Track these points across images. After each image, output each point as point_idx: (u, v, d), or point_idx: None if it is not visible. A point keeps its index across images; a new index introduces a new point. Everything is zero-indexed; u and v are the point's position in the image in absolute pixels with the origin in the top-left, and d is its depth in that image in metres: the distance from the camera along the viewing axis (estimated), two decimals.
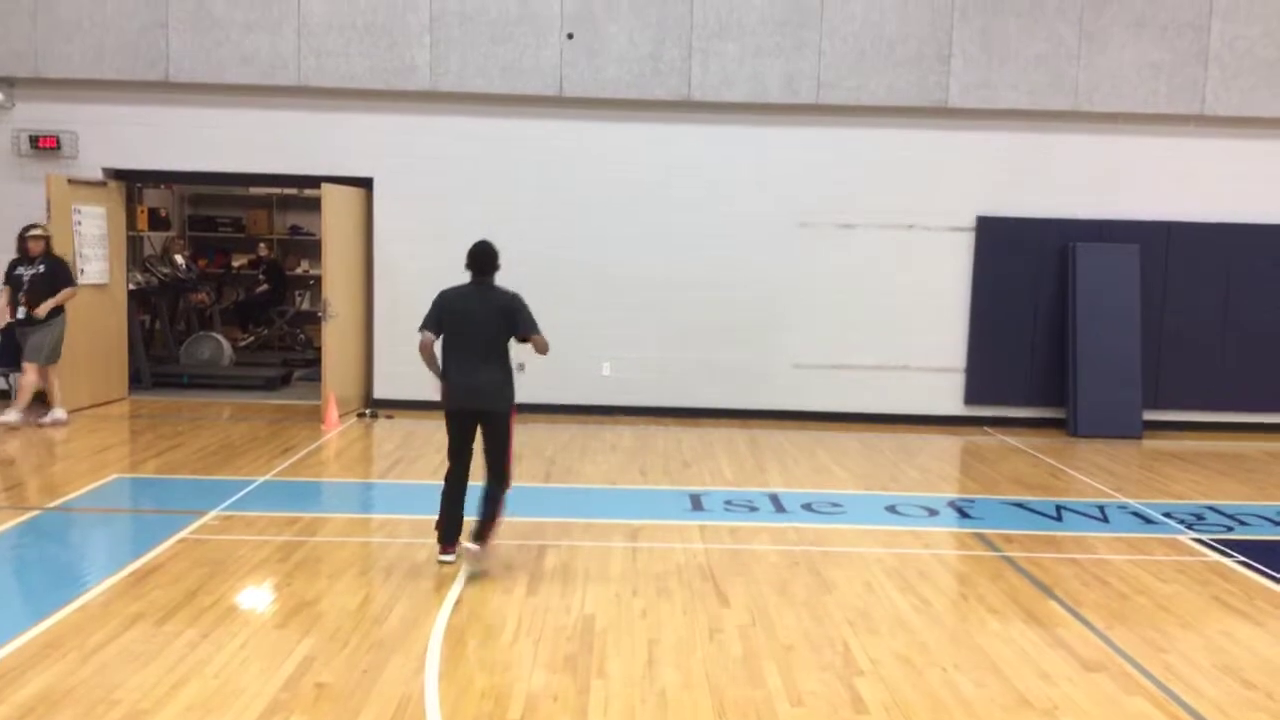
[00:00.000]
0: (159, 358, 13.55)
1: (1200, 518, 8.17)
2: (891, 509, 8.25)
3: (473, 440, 6.48)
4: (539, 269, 11.63)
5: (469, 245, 6.52)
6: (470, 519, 6.42)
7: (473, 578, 6.24)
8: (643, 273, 11.70)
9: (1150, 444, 11.28)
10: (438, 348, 6.41)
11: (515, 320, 6.40)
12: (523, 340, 6.43)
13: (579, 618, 5.67)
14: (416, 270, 11.75)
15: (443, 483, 6.54)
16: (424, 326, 6.37)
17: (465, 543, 6.34)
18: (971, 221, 11.82)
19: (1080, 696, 4.85)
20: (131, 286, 12.40)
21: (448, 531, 6.49)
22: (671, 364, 11.89)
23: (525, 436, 10.56)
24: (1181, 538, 7.60)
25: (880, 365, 11.93)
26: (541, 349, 6.53)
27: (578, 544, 7.00)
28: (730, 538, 7.29)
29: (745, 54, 11.47)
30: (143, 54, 11.38)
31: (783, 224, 11.81)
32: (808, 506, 8.22)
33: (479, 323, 6.36)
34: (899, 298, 11.86)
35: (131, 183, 12.41)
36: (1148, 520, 8.11)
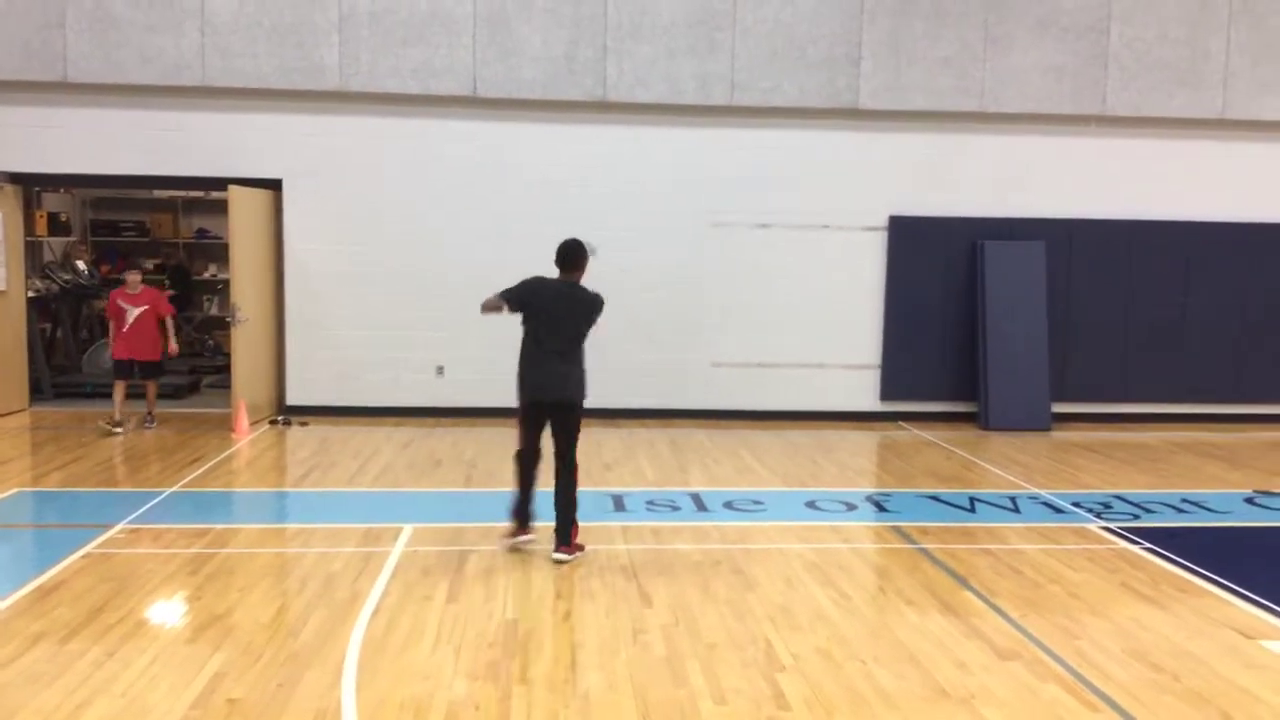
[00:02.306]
0: (61, 367, 13.11)
1: (1108, 506, 8.40)
2: (811, 505, 8.33)
3: (542, 432, 6.70)
4: (454, 269, 11.54)
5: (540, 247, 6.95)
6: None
7: (390, 588, 6.14)
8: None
9: (1059, 436, 11.58)
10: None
11: (594, 322, 6.71)
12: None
13: (501, 623, 5.61)
14: (328, 272, 11.58)
15: (517, 476, 6.77)
16: (505, 295, 6.55)
17: (554, 555, 6.57)
18: (884, 221, 12.01)
19: (996, 685, 4.94)
20: (31, 294, 11.97)
21: (523, 513, 6.76)
22: (591, 365, 11.78)
23: (444, 441, 10.46)
24: (1090, 526, 7.80)
25: (798, 363, 12.05)
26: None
27: (498, 548, 6.92)
28: (653, 538, 7.29)
29: (659, 55, 11.50)
30: (39, 54, 10.99)
31: (699, 224, 11.86)
32: (729, 505, 8.26)
33: (567, 318, 6.60)
34: (815, 296, 12.00)
35: (29, 186, 11.97)
36: (1058, 510, 8.31)
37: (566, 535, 6.62)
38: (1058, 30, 11.81)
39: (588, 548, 6.82)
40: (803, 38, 11.59)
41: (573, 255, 6.67)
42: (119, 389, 10.46)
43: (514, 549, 6.77)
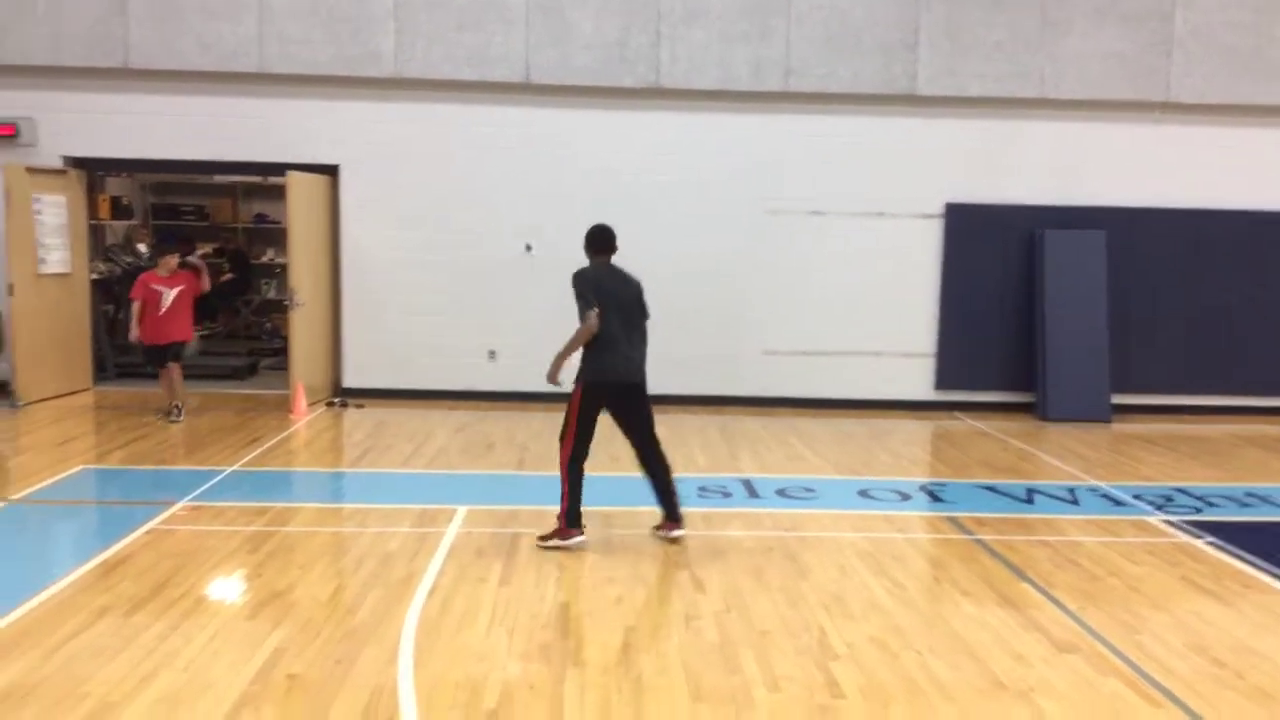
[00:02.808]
0: (123, 347, 13.34)
1: (1169, 499, 8.26)
2: (864, 494, 8.28)
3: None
4: (507, 256, 11.61)
5: (590, 228, 6.81)
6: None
7: (445, 569, 6.19)
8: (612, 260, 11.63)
9: (1119, 427, 11.39)
10: None
11: (644, 302, 6.73)
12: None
13: (554, 606, 5.64)
14: (383, 257, 11.69)
15: (572, 471, 6.60)
16: (592, 306, 6.38)
17: (675, 532, 6.72)
18: (940, 208, 11.87)
19: (1055, 678, 4.88)
20: (94, 276, 12.20)
21: (578, 511, 6.64)
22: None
23: (498, 425, 10.52)
24: (1151, 519, 7.67)
25: (851, 351, 11.96)
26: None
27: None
28: (704, 524, 7.28)
29: (712, 41, 11.44)
30: (102, 41, 11.18)
31: (752, 211, 11.80)
32: (781, 492, 8.23)
33: (629, 302, 6.62)
34: (869, 284, 11.89)
35: (92, 171, 12.20)
36: (1117, 502, 8.18)
37: (677, 509, 6.76)
38: (1118, 15, 11.58)
39: (636, 533, 6.83)
40: (858, 23, 11.47)
41: (613, 238, 6.74)
42: (165, 375, 10.33)
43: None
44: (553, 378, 6.57)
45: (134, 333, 10.34)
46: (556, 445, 6.67)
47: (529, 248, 11.51)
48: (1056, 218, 11.84)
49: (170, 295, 10.27)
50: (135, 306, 10.27)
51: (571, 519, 6.61)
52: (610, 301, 6.46)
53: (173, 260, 10.46)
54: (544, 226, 11.53)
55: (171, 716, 4.27)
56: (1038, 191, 11.88)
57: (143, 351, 10.66)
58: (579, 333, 6.41)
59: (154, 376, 10.59)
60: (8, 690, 4.45)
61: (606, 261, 6.69)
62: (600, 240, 6.70)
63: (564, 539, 6.58)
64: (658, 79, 11.46)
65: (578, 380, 6.55)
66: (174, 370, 10.39)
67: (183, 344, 10.61)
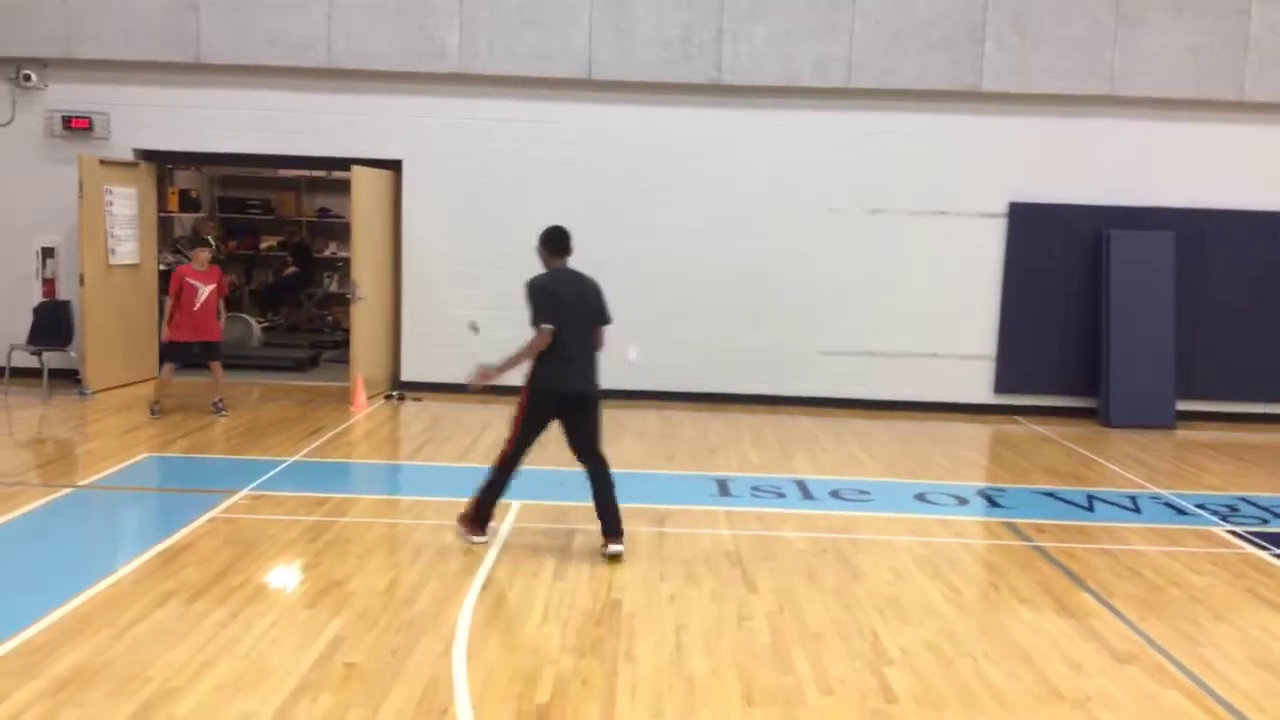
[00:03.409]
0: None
1: (1234, 509, 8.07)
2: (920, 497, 8.19)
3: (545, 430, 6.43)
4: None
5: (544, 229, 6.61)
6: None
7: (499, 563, 6.24)
8: (670, 256, 11.66)
9: (1183, 434, 11.15)
10: None
11: (604, 307, 6.48)
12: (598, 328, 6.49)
13: (606, 602, 5.66)
14: (444, 252, 11.80)
15: (497, 472, 6.51)
16: (546, 320, 6.25)
17: (612, 548, 6.29)
18: (1004, 208, 11.69)
19: (1113, 688, 4.80)
20: (162, 267, 12.46)
21: (490, 513, 6.56)
22: (698, 349, 11.84)
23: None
24: (1215, 529, 7.51)
25: (909, 353, 11.83)
26: (600, 343, 6.54)
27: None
28: (758, 524, 7.26)
29: (775, 36, 11.37)
30: (173, 35, 11.41)
31: (812, 209, 11.72)
32: (835, 494, 8.18)
33: (583, 309, 6.39)
34: (929, 284, 11.76)
35: (162, 164, 12.46)
36: (1181, 511, 8.01)
37: (618, 524, 6.37)
38: (1194, 11, 11.31)
39: (690, 532, 6.83)
40: (924, 18, 11.33)
41: (569, 239, 6.51)
42: (170, 371, 10.12)
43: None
44: (479, 380, 6.40)
45: (166, 333, 10.09)
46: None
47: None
48: (1123, 219, 11.61)
49: (205, 291, 9.99)
50: (169, 303, 10.01)
51: (480, 519, 6.51)
52: (564, 312, 6.27)
53: (204, 254, 10.17)
54: (603, 223, 11.51)
55: (231, 702, 4.36)
56: (1104, 191, 11.66)
57: (169, 350, 10.21)
58: (528, 346, 6.27)
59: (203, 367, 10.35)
60: (75, 671, 4.57)
61: (562, 265, 6.49)
62: (555, 242, 6.49)
63: (467, 534, 6.53)
64: (720, 75, 11.43)
65: (526, 384, 6.41)
66: (216, 369, 10.18)
67: (217, 345, 10.23)
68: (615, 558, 6.29)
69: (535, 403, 6.36)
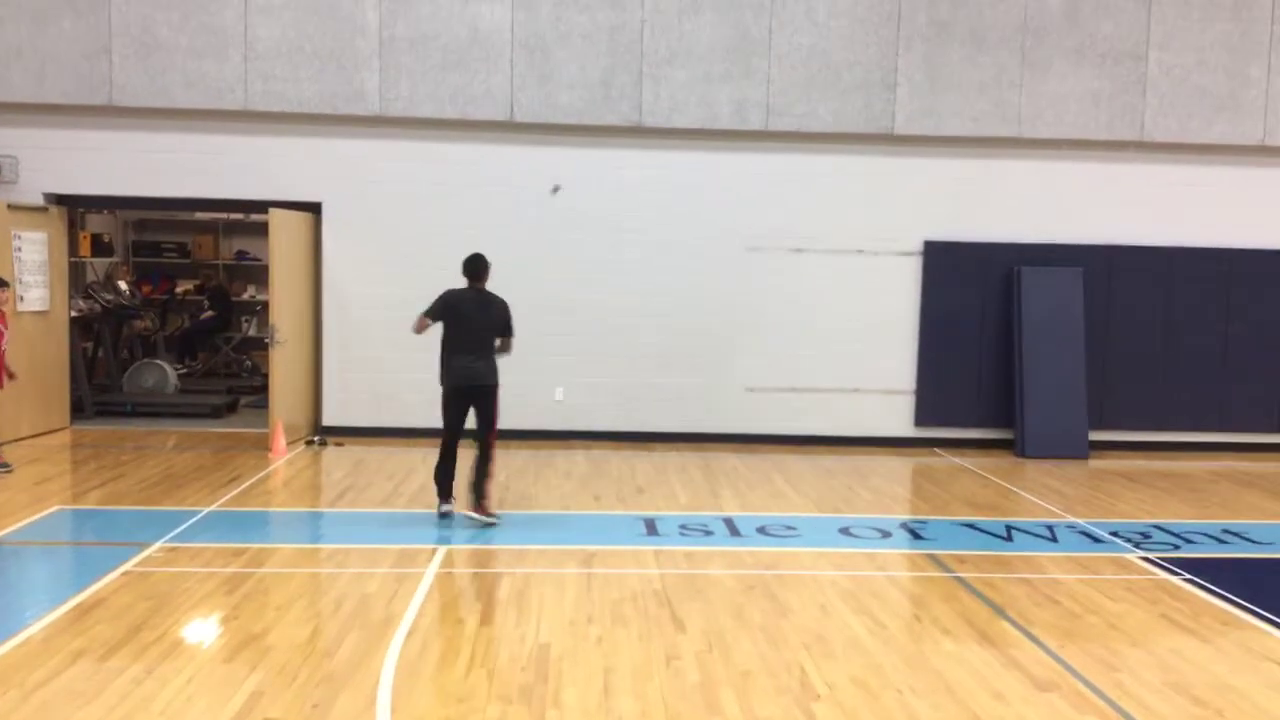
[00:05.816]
0: (102, 386, 13.28)
1: (1147, 536, 8.29)
2: (845, 531, 8.28)
3: (465, 415, 8.03)
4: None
5: (462, 260, 8.24)
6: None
7: (424, 610, 6.16)
8: (595, 296, 11.70)
9: (1097, 464, 11.45)
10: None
11: (507, 322, 8.14)
12: (502, 338, 8.14)
13: (534, 646, 5.61)
14: (365, 294, 11.69)
15: (439, 455, 8.16)
16: (427, 313, 8.02)
17: (471, 512, 8.01)
18: (919, 246, 11.97)
19: (1034, 716, 4.88)
20: (74, 313, 12.15)
21: (444, 488, 8.19)
22: (624, 389, 11.88)
23: None
24: (1129, 556, 7.70)
25: (832, 388, 12.00)
26: (508, 350, 8.22)
27: (531, 571, 6.94)
28: (685, 562, 7.27)
29: (695, 80, 11.55)
30: (86, 78, 11.20)
31: (733, 249, 11.87)
32: (762, 530, 8.23)
33: (479, 321, 8.00)
34: (849, 321, 11.96)
35: (74, 208, 12.19)
36: (1096, 539, 8.21)
37: (484, 493, 8.02)
38: (1095, 56, 11.76)
39: (618, 572, 6.81)
40: (838, 63, 11.60)
41: (478, 265, 8.14)
42: None
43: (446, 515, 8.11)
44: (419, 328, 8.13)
45: None
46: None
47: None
48: (1034, 255, 11.97)
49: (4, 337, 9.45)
50: None
51: (439, 491, 8.19)
52: (455, 318, 7.94)
53: (4, 293, 9.47)
54: (527, 263, 11.52)
55: None
56: (1016, 229, 12.01)
57: None
58: (415, 323, 8.11)
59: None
60: None
61: (471, 285, 8.09)
62: (468, 267, 8.13)
63: (478, 514, 8.06)
64: (640, 118, 11.56)
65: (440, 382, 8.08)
66: None
67: None
68: (487, 522, 7.94)
69: (444, 395, 8.07)
